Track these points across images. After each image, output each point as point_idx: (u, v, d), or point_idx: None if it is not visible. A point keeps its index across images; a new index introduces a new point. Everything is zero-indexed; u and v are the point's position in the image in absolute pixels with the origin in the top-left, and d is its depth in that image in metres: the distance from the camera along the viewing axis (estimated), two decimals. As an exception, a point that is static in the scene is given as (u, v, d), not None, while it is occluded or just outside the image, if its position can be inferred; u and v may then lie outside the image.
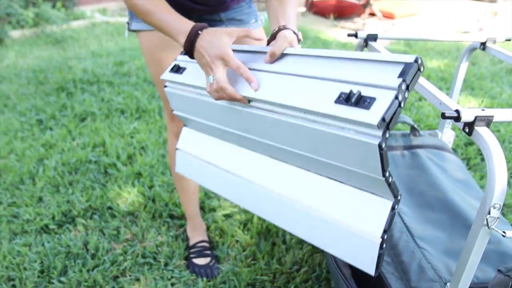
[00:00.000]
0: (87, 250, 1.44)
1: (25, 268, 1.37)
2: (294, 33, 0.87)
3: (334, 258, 1.01)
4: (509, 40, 1.14)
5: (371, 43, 1.11)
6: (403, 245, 0.93)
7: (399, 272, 0.88)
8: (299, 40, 0.89)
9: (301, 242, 1.46)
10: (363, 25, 4.52)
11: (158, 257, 1.41)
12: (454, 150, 2.00)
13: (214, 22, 1.23)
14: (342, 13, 4.83)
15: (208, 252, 1.42)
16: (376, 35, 1.11)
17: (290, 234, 1.49)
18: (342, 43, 3.73)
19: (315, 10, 4.98)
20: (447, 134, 1.38)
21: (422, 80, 0.80)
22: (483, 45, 1.16)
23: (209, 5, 1.16)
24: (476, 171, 1.85)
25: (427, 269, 0.84)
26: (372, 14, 4.83)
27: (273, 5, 0.95)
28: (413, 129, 1.34)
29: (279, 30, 0.88)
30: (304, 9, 5.14)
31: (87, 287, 1.30)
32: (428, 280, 0.81)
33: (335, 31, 4.24)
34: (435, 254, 0.89)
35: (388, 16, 4.88)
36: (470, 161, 1.91)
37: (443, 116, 0.63)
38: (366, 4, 4.54)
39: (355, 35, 1.11)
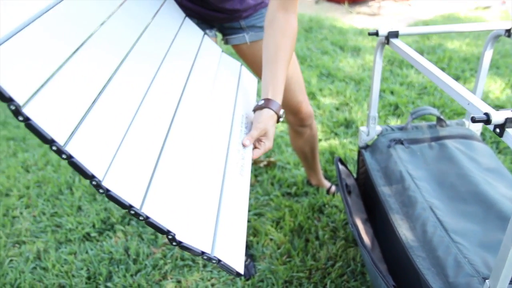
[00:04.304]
0: (129, 255, 1.51)
1: (73, 276, 1.45)
2: (275, 111, 0.92)
3: (370, 254, 1.04)
4: (534, 26, 1.13)
5: (393, 40, 1.12)
6: (438, 240, 0.95)
7: (435, 268, 0.90)
8: (279, 118, 0.94)
9: (333, 237, 1.49)
10: (379, 8, 4.45)
11: (196, 259, 1.47)
12: (482, 134, 1.99)
13: (235, 30, 1.26)
14: (356, -2, 4.76)
15: (244, 251, 1.46)
16: (397, 31, 1.12)
17: (323, 229, 1.52)
18: (359, 29, 3.70)
19: (329, -4, 4.93)
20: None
21: (449, 80, 0.81)
22: (508, 32, 1.15)
23: (226, 12, 1.19)
24: (506, 154, 1.83)
25: (463, 264, 0.86)
26: (388, -4, 4.75)
27: (264, 65, 0.97)
28: (439, 119, 1.34)
29: (260, 107, 0.92)
30: (318, -4, 5.08)
31: (133, 292, 1.37)
32: (466, 275, 0.83)
33: (351, 18, 4.20)
34: (471, 248, 0.90)
35: (404, -4, 4.78)
36: (499, 144, 1.89)
37: (473, 120, 0.64)
38: (381, -13, 4.47)
39: (376, 34, 1.12)
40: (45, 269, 1.49)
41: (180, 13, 1.14)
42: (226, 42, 1.29)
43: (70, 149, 0.55)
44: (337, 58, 3.02)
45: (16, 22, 0.60)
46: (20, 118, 0.51)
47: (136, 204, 0.60)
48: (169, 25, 1.04)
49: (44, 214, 1.76)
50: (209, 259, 0.64)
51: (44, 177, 2.00)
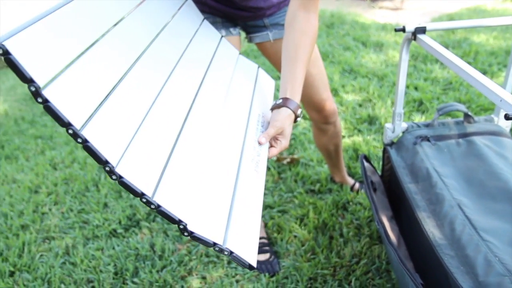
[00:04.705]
0: (154, 251, 1.54)
1: (101, 271, 1.48)
2: (293, 111, 0.92)
3: (397, 252, 1.03)
4: None
5: (420, 36, 1.10)
6: (467, 238, 0.93)
7: (464, 266, 0.89)
8: (296, 118, 0.93)
9: (358, 234, 1.48)
10: (401, 2, 4.38)
11: (221, 256, 1.48)
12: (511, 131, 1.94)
13: (258, 28, 1.26)
14: (378, -8, 4.70)
15: (267, 248, 1.47)
16: (425, 27, 1.10)
17: (347, 226, 1.51)
18: (381, 24, 3.65)
19: (350, -9, 4.87)
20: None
21: (481, 76, 0.79)
22: (539, 26, 1.12)
23: (250, 10, 1.19)
24: (535, 150, 1.78)
25: (494, 263, 0.84)
26: (411, -10, 4.67)
27: (284, 64, 0.97)
28: (466, 116, 1.31)
29: (278, 106, 0.92)
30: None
31: (159, 287, 1.39)
32: (497, 274, 0.81)
33: (373, 13, 4.14)
34: (501, 247, 0.88)
35: (428, -10, 4.69)
36: (528, 141, 1.84)
37: (507, 117, 0.63)
38: (404, -20, 4.39)
39: (403, 30, 1.11)
40: (73, 264, 1.53)
41: (198, 15, 1.15)
42: (250, 40, 1.29)
43: (86, 133, 0.56)
44: (359, 54, 2.98)
45: (39, 10, 0.62)
46: (39, 100, 0.53)
47: (148, 192, 0.60)
48: (187, 26, 1.05)
49: (71, 210, 1.81)
50: (221, 250, 0.64)
51: (71, 175, 2.05)
